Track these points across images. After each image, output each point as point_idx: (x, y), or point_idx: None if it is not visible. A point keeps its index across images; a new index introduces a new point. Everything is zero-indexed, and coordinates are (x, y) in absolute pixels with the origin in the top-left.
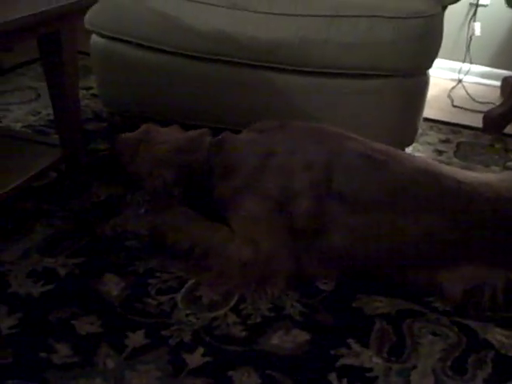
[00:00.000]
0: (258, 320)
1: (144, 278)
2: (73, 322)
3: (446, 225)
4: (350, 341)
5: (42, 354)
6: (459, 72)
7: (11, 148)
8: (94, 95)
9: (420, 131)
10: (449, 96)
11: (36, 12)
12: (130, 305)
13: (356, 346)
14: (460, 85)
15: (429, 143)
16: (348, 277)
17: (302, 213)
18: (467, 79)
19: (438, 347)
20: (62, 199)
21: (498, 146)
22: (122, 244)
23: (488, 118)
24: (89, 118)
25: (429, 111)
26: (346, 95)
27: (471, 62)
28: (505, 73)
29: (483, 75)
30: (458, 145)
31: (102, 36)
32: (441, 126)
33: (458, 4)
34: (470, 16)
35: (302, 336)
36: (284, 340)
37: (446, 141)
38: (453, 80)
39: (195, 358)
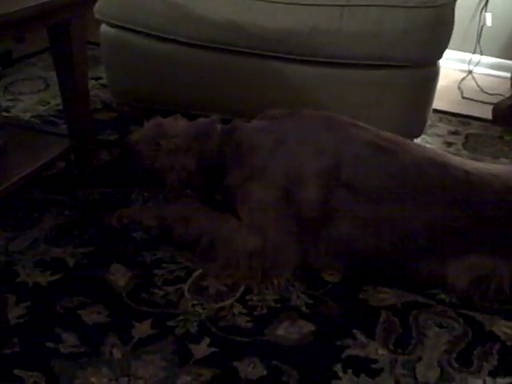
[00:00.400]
0: (264, 311)
1: (151, 269)
2: (80, 311)
3: (454, 215)
4: (356, 332)
5: (49, 344)
6: (469, 63)
7: (20, 138)
8: (103, 85)
9: (429, 122)
10: (458, 87)
11: (46, 1)
12: (136, 295)
13: (362, 338)
14: (470, 76)
15: (438, 135)
16: (355, 267)
17: (310, 201)
18: (477, 70)
19: (443, 339)
20: (70, 189)
21: (507, 137)
22: (129, 235)
23: (497, 109)
24: (98, 108)
25: (438, 102)
26: (355, 86)
27: (481, 53)
28: None
29: (493, 66)
30: (467, 136)
31: (112, 26)
32: (450, 118)
33: None
34: (481, 6)
35: (308, 327)
36: (290, 331)
37: (455, 132)
38: (463, 71)
39: (201, 349)
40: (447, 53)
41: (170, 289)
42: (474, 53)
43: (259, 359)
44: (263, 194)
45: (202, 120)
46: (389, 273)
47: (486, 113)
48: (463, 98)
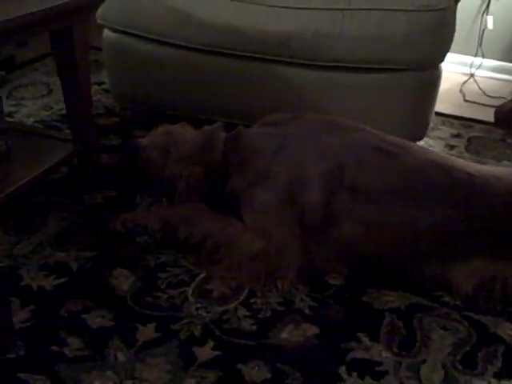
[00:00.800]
0: (268, 314)
1: (155, 272)
2: (84, 315)
3: (458, 217)
4: (360, 335)
5: (54, 347)
6: (471, 66)
7: (24, 143)
8: (105, 90)
9: (431, 126)
10: (460, 90)
11: (49, 6)
12: (140, 298)
13: (366, 340)
14: (472, 79)
15: (440, 138)
16: (358, 270)
17: (313, 204)
18: (479, 73)
19: (448, 341)
20: (74, 194)
21: (509, 140)
22: (133, 238)
23: (500, 112)
24: (100, 113)
25: (440, 105)
26: (357, 89)
27: (483, 56)
28: None
29: (495, 69)
30: (470, 139)
31: (114, 31)
32: (452, 121)
33: None
34: (482, 9)
35: (312, 330)
36: (294, 334)
37: (458, 135)
38: (465, 74)
39: (205, 352)
40: (449, 56)
41: (174, 292)
42: (475, 56)
43: (263, 362)
44: (267, 197)
45: (207, 127)
46: (392, 275)
47: (489, 116)
48: (465, 100)
